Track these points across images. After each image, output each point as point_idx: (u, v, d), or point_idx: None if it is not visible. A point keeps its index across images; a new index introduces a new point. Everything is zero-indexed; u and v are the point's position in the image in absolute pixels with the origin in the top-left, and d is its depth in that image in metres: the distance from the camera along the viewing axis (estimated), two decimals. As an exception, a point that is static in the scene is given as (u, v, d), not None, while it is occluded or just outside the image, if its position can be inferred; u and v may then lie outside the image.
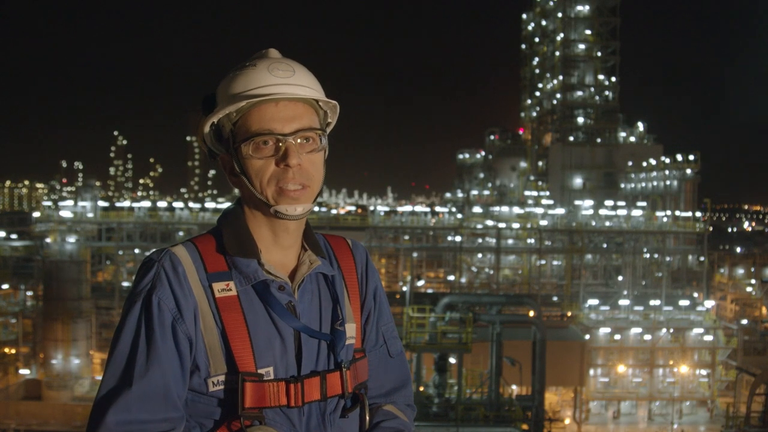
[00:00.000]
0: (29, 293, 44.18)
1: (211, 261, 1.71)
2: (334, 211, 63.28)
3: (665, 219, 51.22)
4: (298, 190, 1.68)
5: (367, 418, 1.80)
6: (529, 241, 52.25)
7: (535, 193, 64.87)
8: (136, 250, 47.78)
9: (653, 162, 60.97)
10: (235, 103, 1.67)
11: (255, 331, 1.67)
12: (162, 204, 52.95)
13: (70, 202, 47.66)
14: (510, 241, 54.21)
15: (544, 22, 71.90)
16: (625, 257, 51.11)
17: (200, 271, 1.69)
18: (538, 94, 74.67)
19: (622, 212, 51.71)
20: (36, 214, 48.12)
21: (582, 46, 66.64)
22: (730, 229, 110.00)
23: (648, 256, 51.38)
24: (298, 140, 1.68)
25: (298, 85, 1.70)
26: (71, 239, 39.54)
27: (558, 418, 34.47)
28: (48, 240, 40.78)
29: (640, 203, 57.49)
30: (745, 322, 45.34)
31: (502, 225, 50.88)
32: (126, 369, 1.60)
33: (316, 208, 54.53)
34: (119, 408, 1.56)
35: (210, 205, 57.75)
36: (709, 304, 44.59)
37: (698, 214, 53.72)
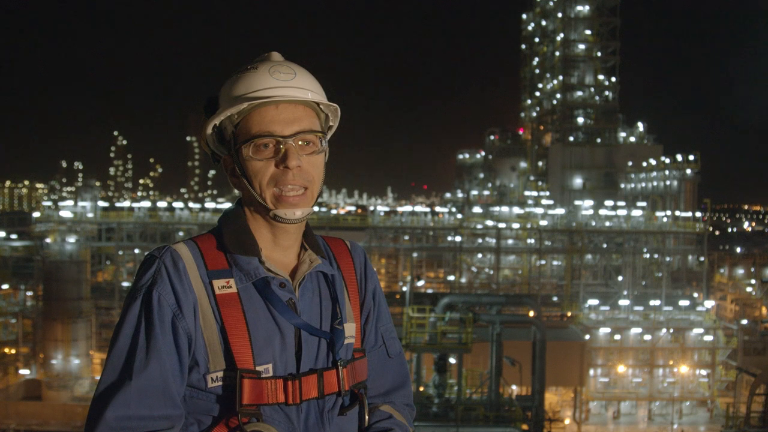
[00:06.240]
0: (29, 293, 44.13)
1: (212, 258, 1.73)
2: (334, 211, 63.32)
3: (665, 219, 51.18)
4: (298, 196, 1.70)
5: (366, 417, 1.81)
6: (529, 241, 52.22)
7: (535, 193, 64.76)
8: (136, 250, 47.75)
9: (653, 162, 60.92)
10: (236, 106, 1.68)
11: (254, 328, 1.69)
12: (162, 204, 52.95)
13: (70, 203, 47.64)
14: (510, 241, 54.19)
15: (544, 23, 71.85)
16: (625, 257, 51.08)
17: (201, 268, 1.71)
18: (538, 94, 74.61)
19: (622, 212, 51.66)
20: (36, 214, 48.09)
21: (582, 46, 66.60)
22: (730, 229, 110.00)
23: (648, 256, 51.35)
24: (299, 142, 1.70)
25: (298, 88, 1.71)
26: (71, 239, 39.50)
27: (558, 418, 34.44)
28: (48, 240, 40.73)
29: (640, 203, 57.41)
30: (745, 322, 45.29)
31: (502, 225, 50.83)
32: (125, 364, 1.61)
33: (316, 208, 54.52)
34: (118, 403, 1.57)
35: (210, 205, 57.77)
36: (709, 304, 44.59)
37: (698, 214, 53.68)
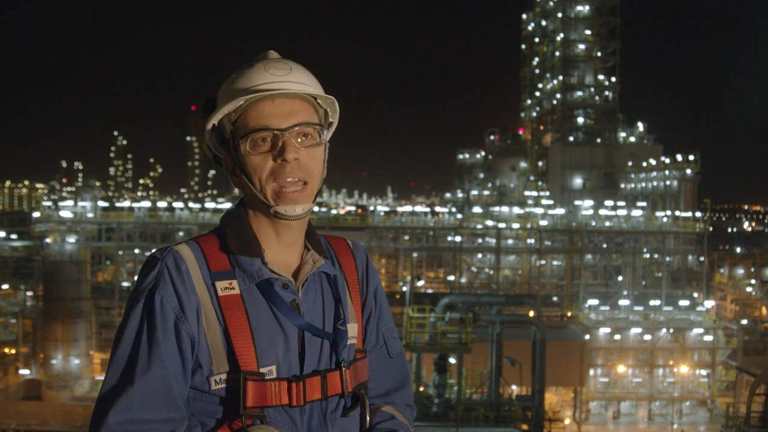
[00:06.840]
0: (29, 293, 44.12)
1: (215, 260, 1.72)
2: (334, 211, 63.31)
3: (665, 219, 51.17)
4: (297, 192, 1.68)
5: (368, 417, 1.81)
6: (529, 241, 52.20)
7: (535, 193, 64.75)
8: (136, 250, 47.72)
9: (653, 162, 60.91)
10: (233, 102, 1.68)
11: (258, 330, 1.67)
12: (162, 204, 52.91)
13: (70, 202, 47.58)
14: (510, 241, 54.16)
15: (544, 23, 71.86)
16: (625, 257, 51.06)
17: (203, 270, 1.69)
18: (538, 94, 74.62)
19: (622, 212, 51.63)
20: (36, 214, 48.03)
21: (582, 46, 66.60)
22: (730, 229, 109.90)
23: (648, 256, 51.33)
24: (297, 137, 1.69)
25: (295, 82, 1.71)
26: (71, 239, 39.49)
27: (558, 418, 34.43)
28: (48, 240, 40.73)
29: (640, 203, 57.38)
30: (745, 322, 45.28)
31: (502, 225, 50.81)
32: (128, 367, 1.60)
33: (316, 208, 54.60)
34: (121, 407, 1.56)
35: (210, 205, 57.76)
36: (709, 304, 44.56)
37: (698, 214, 53.66)
